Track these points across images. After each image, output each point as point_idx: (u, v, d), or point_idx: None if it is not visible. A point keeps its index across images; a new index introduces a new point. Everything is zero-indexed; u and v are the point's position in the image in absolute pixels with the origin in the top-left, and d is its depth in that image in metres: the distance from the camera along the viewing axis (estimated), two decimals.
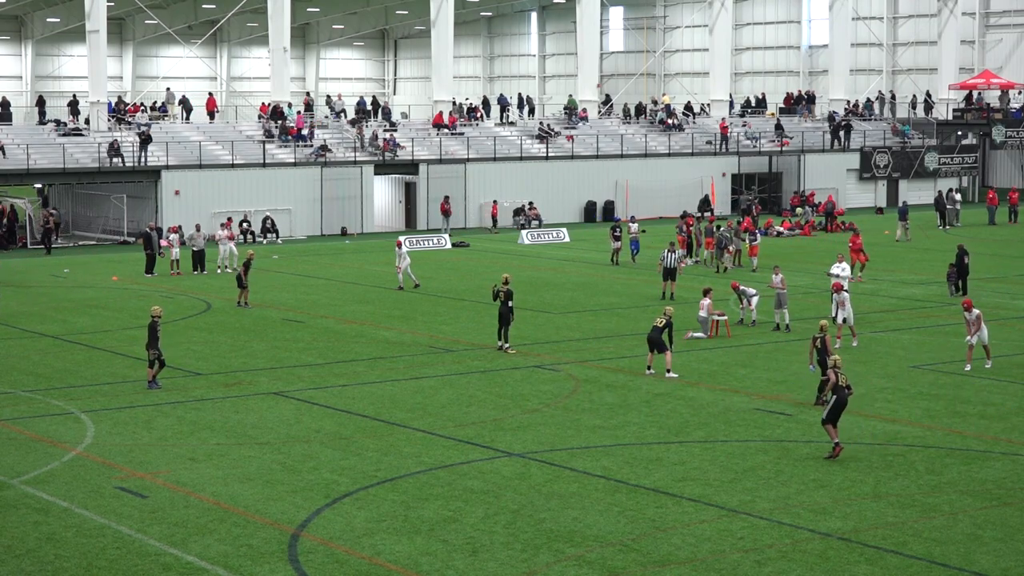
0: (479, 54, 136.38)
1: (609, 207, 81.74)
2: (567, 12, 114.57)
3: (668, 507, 23.76)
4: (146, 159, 70.41)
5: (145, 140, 70.71)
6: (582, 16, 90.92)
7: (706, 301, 40.81)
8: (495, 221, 76.63)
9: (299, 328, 43.03)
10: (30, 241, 68.81)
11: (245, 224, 68.94)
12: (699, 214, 72.30)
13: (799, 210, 79.64)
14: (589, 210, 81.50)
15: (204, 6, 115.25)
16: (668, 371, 34.97)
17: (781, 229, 73.31)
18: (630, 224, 61.04)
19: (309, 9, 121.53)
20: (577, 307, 47.37)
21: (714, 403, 32.07)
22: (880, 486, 25.10)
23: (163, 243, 60.44)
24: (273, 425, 30.01)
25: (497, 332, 38.84)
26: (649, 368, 35.27)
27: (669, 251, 49.24)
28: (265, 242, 69.75)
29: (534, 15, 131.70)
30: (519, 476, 25.70)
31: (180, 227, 61.23)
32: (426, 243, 67.84)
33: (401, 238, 57.80)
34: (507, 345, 38.58)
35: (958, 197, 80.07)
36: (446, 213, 75.49)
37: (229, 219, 61.55)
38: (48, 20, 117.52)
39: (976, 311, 35.96)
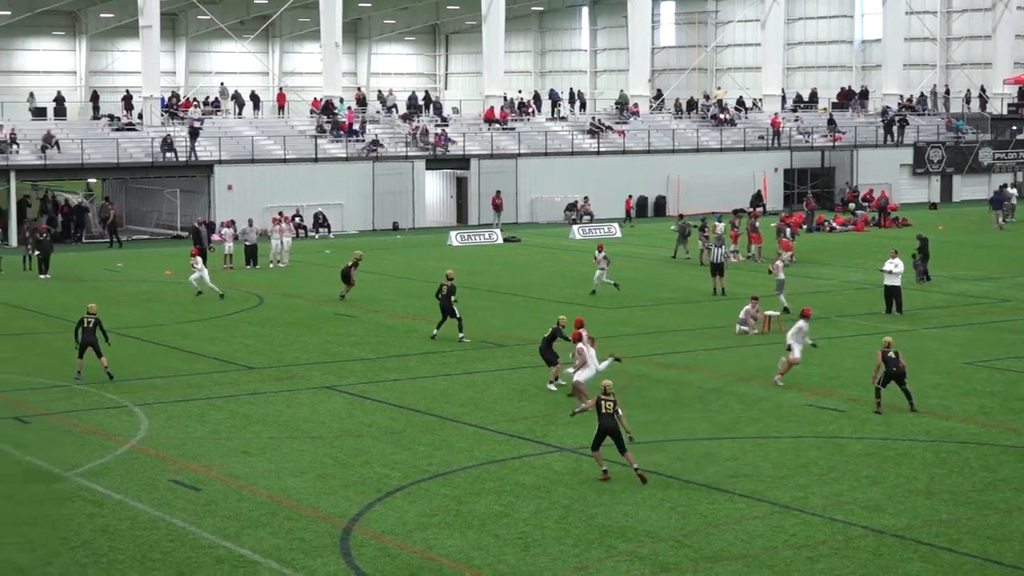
0: (530, 49, 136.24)
1: (660, 202, 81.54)
2: (618, 7, 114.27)
3: (720, 503, 23.70)
4: (195, 152, 70.71)
5: (193, 133, 71.10)
6: (633, 11, 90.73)
7: (748, 307, 40.82)
8: (629, 215, 77.38)
9: (351, 323, 43.15)
10: (85, 235, 69.31)
11: (297, 219, 69.16)
12: (749, 209, 71.94)
13: (851, 205, 79.23)
14: (640, 205, 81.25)
15: (256, 1, 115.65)
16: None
17: (834, 224, 72.95)
18: (716, 224, 59.64)
19: (360, 4, 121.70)
20: (628, 302, 47.27)
21: (766, 399, 31.95)
22: (934, 483, 24.96)
23: (215, 237, 60.74)
24: (325, 419, 30.11)
25: (456, 325, 39.48)
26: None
27: (716, 246, 49.28)
28: (317, 237, 70.00)
29: (585, 10, 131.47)
30: (571, 471, 25.70)
31: (233, 222, 61.39)
32: (477, 238, 67.86)
33: (194, 248, 53.14)
34: (462, 335, 39.37)
35: (1013, 192, 79.57)
36: (497, 208, 75.53)
37: (281, 213, 61.71)
38: (102, 16, 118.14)
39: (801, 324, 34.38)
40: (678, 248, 59.87)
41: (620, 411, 25.23)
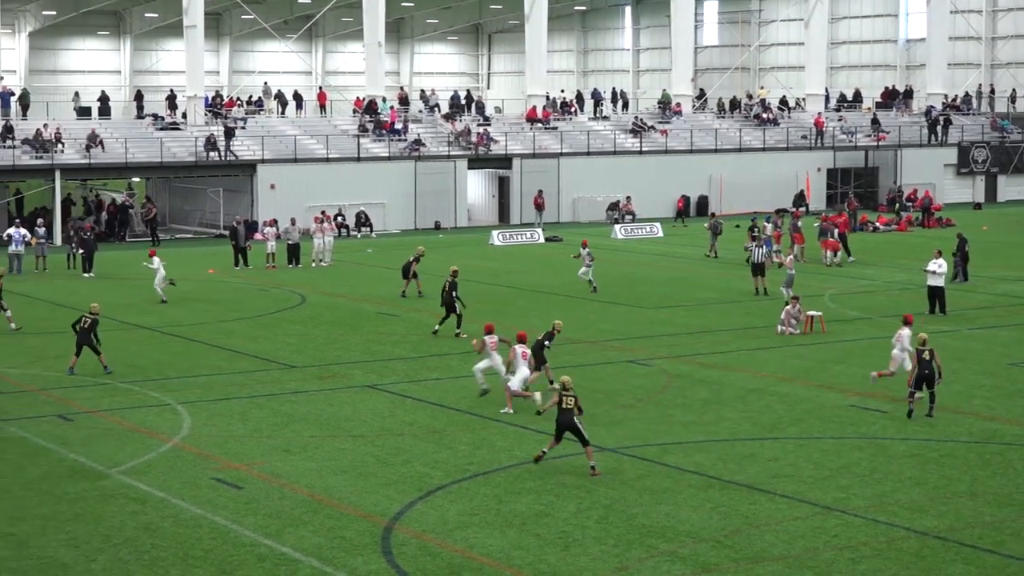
0: (573, 48, 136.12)
1: (703, 202, 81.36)
2: (661, 6, 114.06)
3: (761, 503, 23.63)
4: (231, 151, 70.88)
5: (228, 132, 71.34)
6: (676, 10, 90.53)
7: (789, 307, 40.68)
8: (679, 213, 77.85)
9: (393, 322, 43.22)
10: (128, 234, 69.70)
11: (340, 218, 69.33)
12: (792, 209, 71.68)
13: (896, 205, 78.78)
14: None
15: (300, 1, 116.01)
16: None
17: (877, 224, 72.63)
18: (766, 224, 59.22)
19: (403, 4, 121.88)
20: (670, 302, 47.22)
21: (808, 399, 31.85)
22: (977, 484, 24.81)
23: (257, 236, 60.95)
24: (367, 418, 30.17)
25: (455, 321, 40.11)
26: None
27: (757, 246, 49.19)
28: (359, 236, 70.16)
29: (628, 9, 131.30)
30: (611, 471, 25.66)
31: (276, 221, 61.56)
32: (519, 237, 67.87)
33: (153, 248, 56.80)
34: (459, 330, 40.02)
35: None
36: (539, 207, 75.51)
37: (324, 212, 61.90)
38: (146, 15, 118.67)
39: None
40: (714, 245, 59.93)
41: (580, 407, 25.48)
